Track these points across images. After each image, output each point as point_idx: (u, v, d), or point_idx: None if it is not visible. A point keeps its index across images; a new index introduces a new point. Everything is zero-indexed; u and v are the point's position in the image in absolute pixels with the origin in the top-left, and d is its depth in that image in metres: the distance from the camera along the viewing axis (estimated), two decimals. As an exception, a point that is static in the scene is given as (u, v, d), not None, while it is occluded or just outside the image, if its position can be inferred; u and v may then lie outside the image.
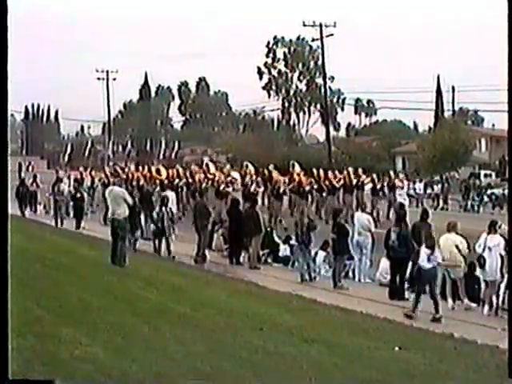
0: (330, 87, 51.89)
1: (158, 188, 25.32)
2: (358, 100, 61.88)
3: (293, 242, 16.90)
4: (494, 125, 51.72)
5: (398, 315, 11.90)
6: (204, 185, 25.18)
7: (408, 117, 61.06)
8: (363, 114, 65.30)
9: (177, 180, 27.38)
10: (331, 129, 51.53)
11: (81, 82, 61.11)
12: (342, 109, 60.07)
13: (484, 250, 12.71)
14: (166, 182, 26.64)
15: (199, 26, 64.72)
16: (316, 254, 16.00)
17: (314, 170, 26.71)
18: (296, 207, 24.17)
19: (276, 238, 18.46)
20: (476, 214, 28.82)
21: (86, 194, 25.48)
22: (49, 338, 8.81)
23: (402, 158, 49.96)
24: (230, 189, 23.74)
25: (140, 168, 29.96)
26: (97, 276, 13.43)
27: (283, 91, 57.17)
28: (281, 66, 57.02)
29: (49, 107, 64.11)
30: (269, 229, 18.80)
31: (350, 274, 16.09)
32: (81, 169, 31.44)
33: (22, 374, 7.26)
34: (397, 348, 9.36)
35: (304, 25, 44.16)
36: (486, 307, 12.60)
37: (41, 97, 59.60)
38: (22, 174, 35.08)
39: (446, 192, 31.52)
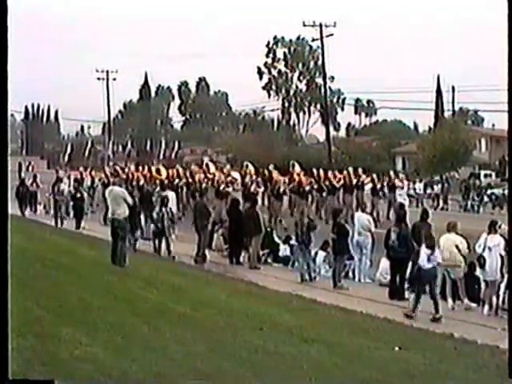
0: (329, 87, 51.97)
1: (158, 188, 25.31)
2: (357, 100, 61.92)
3: (293, 241, 16.91)
4: (494, 125, 51.80)
5: (398, 315, 11.89)
6: (204, 185, 25.17)
7: (408, 117, 61.12)
8: (363, 114, 65.31)
9: (177, 180, 27.37)
10: (331, 129, 51.57)
11: (81, 82, 61.11)
12: (342, 109, 60.11)
13: (484, 250, 12.71)
14: (166, 182, 26.63)
15: (199, 26, 64.73)
16: (316, 254, 16.00)
17: (314, 170, 26.70)
18: (296, 207, 24.18)
19: (276, 238, 18.46)
20: (476, 214, 28.82)
21: (86, 194, 25.48)
22: (49, 338, 8.81)
23: (402, 158, 49.96)
24: (230, 189, 23.72)
25: (140, 168, 29.96)
26: (97, 276, 13.43)
27: (283, 91, 57.17)
28: (281, 66, 57.02)
29: (49, 107, 64.15)
30: (269, 229, 18.81)
31: (350, 274, 16.09)
32: (81, 169, 31.44)
33: (22, 374, 7.26)
34: (397, 348, 9.36)
35: (304, 25, 44.24)
36: (486, 307, 12.60)
37: (41, 97, 59.66)
38: (22, 174, 35.07)
39: (446, 192, 31.52)
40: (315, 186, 25.76)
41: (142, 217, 19.66)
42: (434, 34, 55.49)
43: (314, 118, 58.33)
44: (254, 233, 16.90)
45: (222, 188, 23.92)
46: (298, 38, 55.71)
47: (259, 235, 17.06)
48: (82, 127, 64.49)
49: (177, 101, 65.53)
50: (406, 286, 13.73)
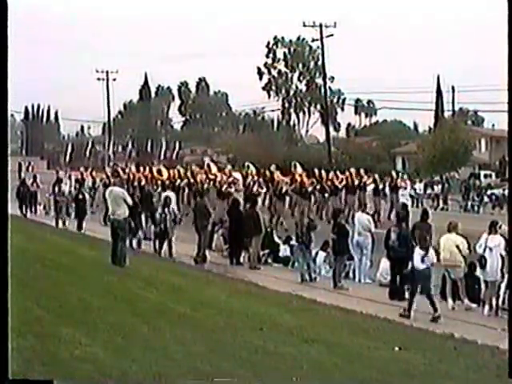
0: (329, 87, 51.90)
1: (159, 189, 25.29)
2: (357, 100, 61.81)
3: (293, 242, 16.90)
4: (493, 125, 51.75)
5: (398, 315, 11.90)
6: (206, 185, 25.14)
7: (408, 117, 61.04)
8: (363, 115, 65.21)
9: (178, 181, 27.35)
10: (331, 129, 51.55)
11: (81, 82, 61.00)
12: (342, 109, 60.01)
13: (485, 250, 12.71)
14: (167, 182, 26.62)
15: (199, 26, 64.56)
16: (316, 254, 16.01)
17: (316, 171, 26.67)
18: (297, 207, 24.16)
19: (276, 239, 18.46)
20: (476, 214, 28.81)
21: (87, 195, 25.44)
22: (49, 338, 8.82)
23: (402, 158, 49.95)
24: (232, 189, 23.69)
25: (141, 168, 29.92)
26: (97, 276, 13.44)
27: (283, 91, 57.13)
28: (281, 66, 56.97)
29: (49, 107, 64.04)
30: (269, 229, 18.81)
31: (351, 274, 16.09)
32: (81, 169, 31.39)
33: (22, 373, 7.27)
34: (397, 348, 9.37)
35: (304, 25, 44.22)
36: (487, 307, 12.60)
37: (41, 97, 59.54)
38: (22, 175, 35.04)
39: (446, 192, 31.53)
40: (317, 187, 25.74)
41: (143, 217, 19.65)
42: (434, 34, 55.41)
43: (314, 119, 58.32)
44: (254, 233, 16.89)
45: (224, 189, 23.89)
46: (298, 39, 55.69)
47: (259, 235, 17.05)
48: (82, 127, 64.51)
49: (177, 101, 65.51)
50: (406, 286, 13.73)
